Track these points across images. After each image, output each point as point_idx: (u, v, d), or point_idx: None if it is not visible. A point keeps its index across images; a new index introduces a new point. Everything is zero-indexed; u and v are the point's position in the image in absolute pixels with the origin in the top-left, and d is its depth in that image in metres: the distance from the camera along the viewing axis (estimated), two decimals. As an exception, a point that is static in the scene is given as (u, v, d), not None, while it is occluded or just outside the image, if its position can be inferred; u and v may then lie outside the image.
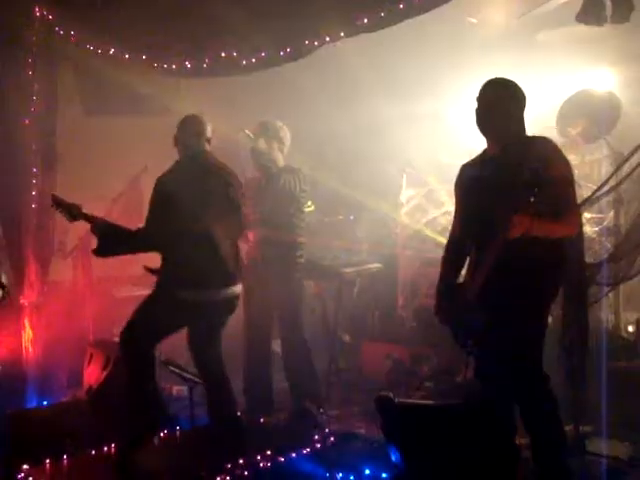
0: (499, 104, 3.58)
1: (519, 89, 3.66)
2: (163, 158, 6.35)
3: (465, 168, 3.83)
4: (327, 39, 5.03)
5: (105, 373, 5.16)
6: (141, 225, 4.37)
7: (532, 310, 3.52)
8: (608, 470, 4.00)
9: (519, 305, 3.46)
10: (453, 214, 3.94)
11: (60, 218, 4.68)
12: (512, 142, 3.57)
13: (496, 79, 3.69)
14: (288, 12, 5.09)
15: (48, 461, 4.35)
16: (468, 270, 3.75)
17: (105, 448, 4.57)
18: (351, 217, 7.07)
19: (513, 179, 3.30)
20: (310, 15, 5.00)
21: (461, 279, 3.87)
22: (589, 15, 4.97)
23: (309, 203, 5.79)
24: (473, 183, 3.70)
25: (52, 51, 5.85)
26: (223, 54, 5.39)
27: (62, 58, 6.01)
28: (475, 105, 3.68)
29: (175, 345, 5.65)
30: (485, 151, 3.75)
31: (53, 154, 5.92)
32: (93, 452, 4.54)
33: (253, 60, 5.33)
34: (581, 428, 4.36)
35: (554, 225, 3.42)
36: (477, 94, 3.67)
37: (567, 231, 3.56)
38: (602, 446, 4.27)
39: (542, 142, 3.57)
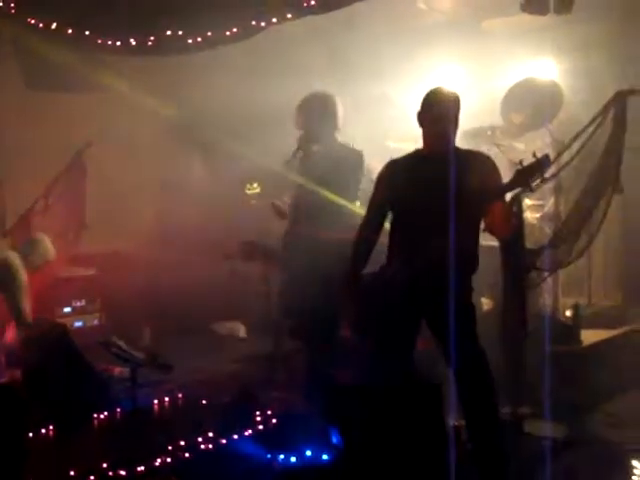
0: (455, 118, 3.75)
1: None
2: (106, 135, 6.26)
3: (395, 165, 3.92)
4: (274, 20, 5.00)
5: (42, 354, 5.06)
6: None
7: (462, 283, 3.68)
8: (545, 450, 4.09)
9: (450, 280, 3.57)
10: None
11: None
12: (455, 150, 3.75)
13: (450, 91, 3.80)
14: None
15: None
16: (396, 253, 3.82)
17: (43, 430, 4.50)
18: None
19: (462, 183, 3.55)
20: (258, -5, 4.97)
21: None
22: (533, 5, 5.05)
23: (255, 185, 5.79)
24: (410, 179, 3.78)
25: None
26: (169, 32, 5.31)
27: (2, 31, 5.85)
28: (430, 109, 3.75)
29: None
30: (419, 152, 3.86)
31: (-9, 129, 5.77)
32: (30, 434, 4.46)
33: (199, 39, 5.26)
34: (519, 410, 4.46)
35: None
36: (433, 101, 3.76)
37: (505, 234, 3.78)
38: (539, 427, 4.38)
39: (484, 157, 3.85)
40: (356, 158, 4.64)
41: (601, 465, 4.08)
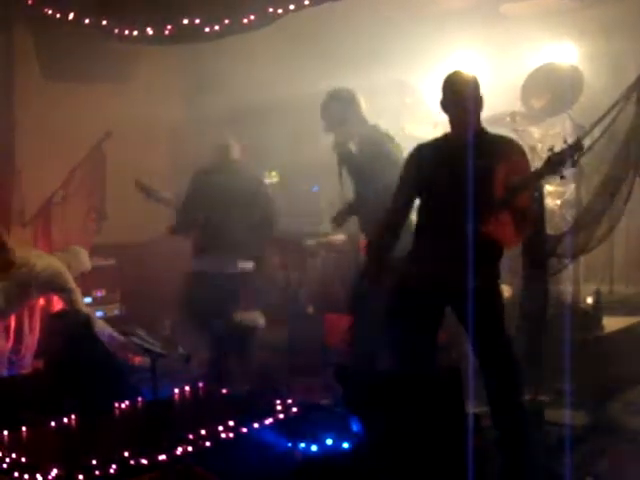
0: (479, 100, 3.74)
1: None
2: (124, 125, 6.26)
3: (424, 149, 3.91)
4: (291, 7, 4.97)
5: (65, 344, 5.11)
6: None
7: (490, 270, 3.69)
8: (565, 438, 4.07)
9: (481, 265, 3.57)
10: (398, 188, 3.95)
11: (17, 186, 4.61)
12: (483, 134, 3.76)
13: (468, 74, 3.79)
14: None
15: (6, 433, 4.31)
16: (424, 238, 3.80)
17: (65, 419, 4.54)
18: (315, 188, 7.04)
19: (491, 168, 3.57)
20: (275, -18, 4.94)
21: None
22: (554, -13, 4.98)
23: (273, 174, 5.77)
24: (439, 163, 3.77)
25: (8, 13, 5.70)
26: (186, 21, 5.29)
27: (20, 21, 5.86)
28: (451, 93, 3.75)
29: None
30: (447, 136, 3.85)
31: (10, 119, 5.79)
32: (53, 423, 4.50)
33: (216, 28, 5.24)
34: (539, 397, 4.43)
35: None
36: (453, 87, 3.75)
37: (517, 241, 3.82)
38: (559, 415, 4.36)
39: (514, 142, 3.87)
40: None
41: (620, 453, 4.06)
